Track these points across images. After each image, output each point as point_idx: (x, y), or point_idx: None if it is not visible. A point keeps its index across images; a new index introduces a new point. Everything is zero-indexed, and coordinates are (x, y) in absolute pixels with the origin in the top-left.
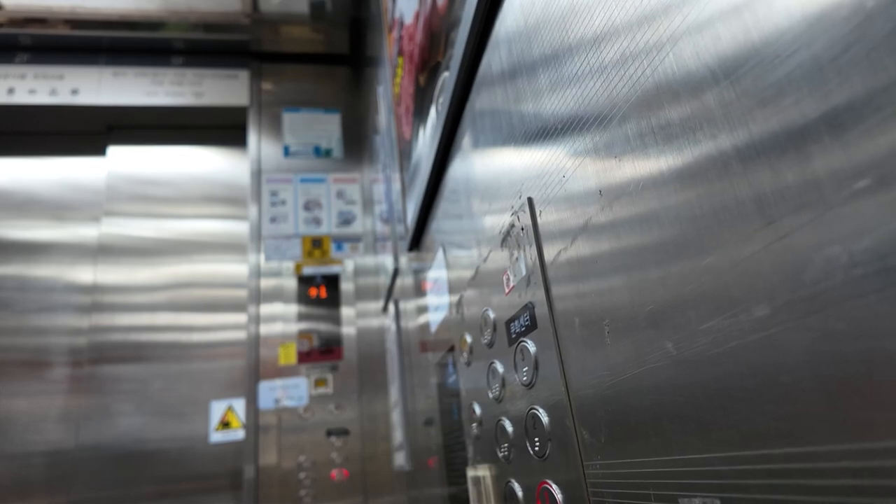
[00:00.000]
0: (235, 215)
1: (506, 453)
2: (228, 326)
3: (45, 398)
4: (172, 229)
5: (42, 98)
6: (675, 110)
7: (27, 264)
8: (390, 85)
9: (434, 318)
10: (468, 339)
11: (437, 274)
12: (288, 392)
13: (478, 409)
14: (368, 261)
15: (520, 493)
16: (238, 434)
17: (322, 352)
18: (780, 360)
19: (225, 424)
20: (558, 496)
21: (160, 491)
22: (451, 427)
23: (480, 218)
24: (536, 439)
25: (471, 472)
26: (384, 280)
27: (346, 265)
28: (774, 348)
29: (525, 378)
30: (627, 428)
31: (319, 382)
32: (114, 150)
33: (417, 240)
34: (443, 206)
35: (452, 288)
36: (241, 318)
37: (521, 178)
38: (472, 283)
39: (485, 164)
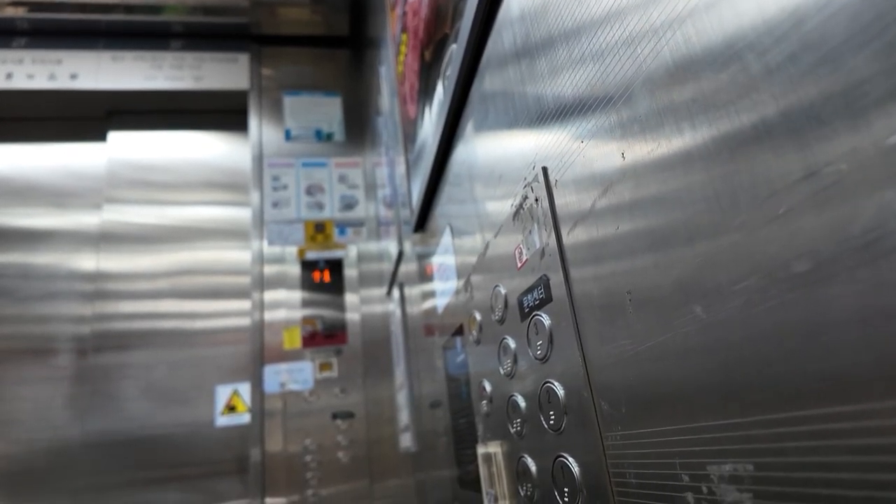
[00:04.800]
0: (237, 201)
1: (518, 429)
2: (232, 313)
3: (50, 385)
4: (174, 216)
5: (41, 83)
6: (706, 72)
7: (29, 252)
8: (393, 64)
9: (441, 299)
10: (477, 317)
11: (443, 254)
12: (293, 376)
13: (488, 387)
14: (371, 246)
15: (533, 468)
16: (244, 418)
17: (326, 336)
18: (824, 317)
19: (231, 409)
20: (575, 469)
21: (167, 476)
22: (460, 406)
23: (490, 193)
24: (551, 413)
25: (481, 449)
26: (387, 266)
27: (350, 251)
28: (818, 305)
29: (539, 352)
30: (651, 397)
31: (324, 366)
32: (114, 136)
33: (423, 221)
34: (450, 185)
35: (460, 267)
36: (244, 304)
37: (534, 148)
38: (482, 261)
39: (495, 139)
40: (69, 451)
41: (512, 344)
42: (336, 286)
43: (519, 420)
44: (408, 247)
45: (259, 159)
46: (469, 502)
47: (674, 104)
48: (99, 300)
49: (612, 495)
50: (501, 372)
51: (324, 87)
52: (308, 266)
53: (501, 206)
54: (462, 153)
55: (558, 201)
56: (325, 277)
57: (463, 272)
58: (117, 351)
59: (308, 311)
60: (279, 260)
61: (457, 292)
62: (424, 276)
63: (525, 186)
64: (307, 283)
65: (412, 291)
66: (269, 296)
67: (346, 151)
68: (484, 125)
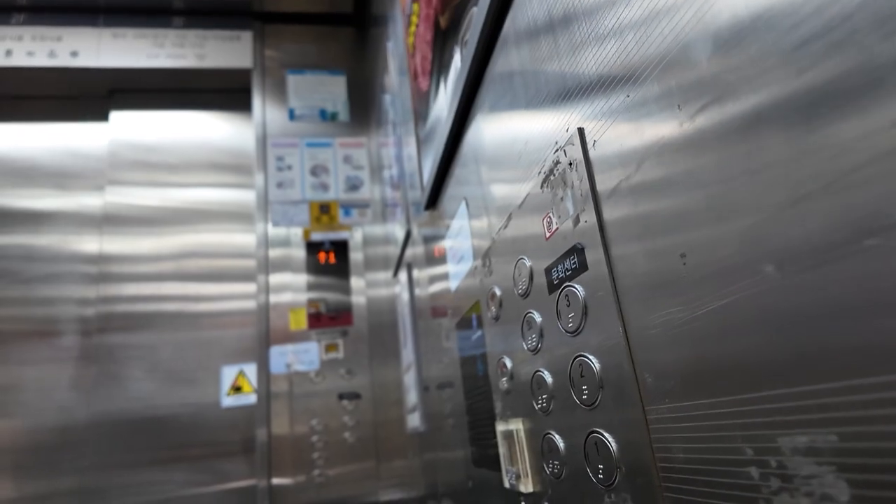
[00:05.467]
0: (241, 183)
1: (544, 405)
2: (237, 296)
3: (56, 366)
4: (177, 198)
5: (41, 60)
6: (776, 18)
7: (31, 234)
8: (403, 36)
9: (455, 277)
10: (497, 292)
11: (458, 230)
12: (299, 357)
13: (508, 363)
14: (377, 229)
15: (561, 445)
16: (250, 398)
17: (332, 317)
18: None
19: (237, 389)
20: (612, 445)
21: (172, 456)
22: (475, 385)
23: (513, 162)
24: (584, 388)
25: (501, 427)
26: (393, 249)
27: (355, 234)
28: None
29: (570, 325)
30: (707, 366)
31: (330, 347)
32: (116, 116)
33: (434, 199)
34: (466, 158)
35: (477, 243)
36: (249, 287)
37: (567, 108)
38: (503, 234)
39: (519, 102)
40: (75, 430)
41: (538, 318)
42: (341, 268)
43: (545, 396)
44: (415, 228)
45: (263, 141)
46: (485, 481)
47: (742, 51)
48: (103, 282)
49: (656, 471)
50: (525, 347)
51: (328, 66)
52: (313, 247)
53: (527, 175)
54: (481, 122)
55: (596, 164)
56: (330, 259)
57: (480, 248)
58: (122, 332)
59: (313, 294)
60: (284, 243)
61: (473, 269)
62: (432, 258)
63: (556, 151)
64: (312, 266)
65: (418, 275)
66: (275, 279)
67: (350, 132)
68: (508, 90)
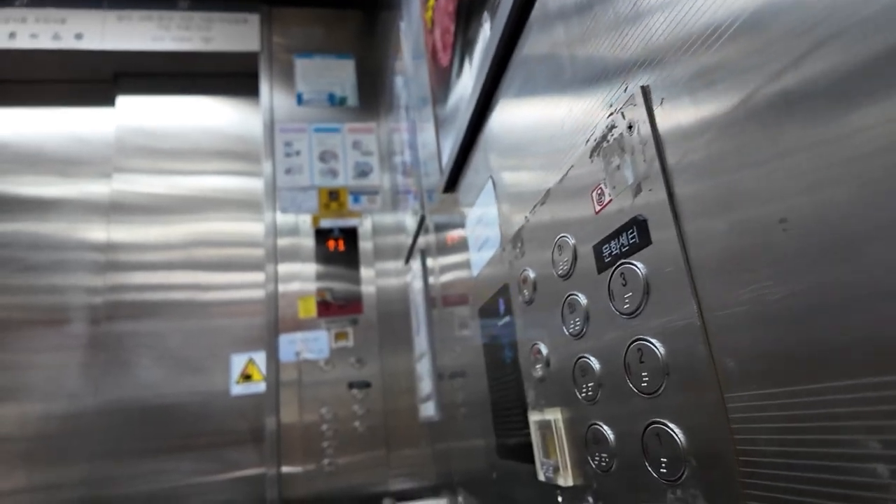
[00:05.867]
0: (248, 171)
1: (589, 393)
2: (246, 285)
3: (64, 355)
4: (185, 185)
5: (45, 42)
6: None
7: (38, 222)
8: (420, 11)
9: (478, 260)
10: (531, 275)
11: (483, 212)
12: (308, 345)
13: (544, 350)
14: (387, 218)
15: (611, 436)
16: (259, 387)
17: (342, 305)
18: None
19: (246, 377)
20: (679, 436)
21: (182, 444)
22: (501, 373)
23: (553, 133)
24: (644, 374)
25: (535, 417)
26: (404, 238)
27: (364, 223)
28: None
29: (627, 306)
30: (815, 348)
31: (340, 336)
32: (122, 101)
33: (454, 180)
34: (493, 133)
35: (506, 223)
36: (257, 276)
37: (625, 65)
38: (539, 212)
39: (562, 64)
40: (84, 418)
41: (582, 300)
42: (350, 256)
43: (591, 384)
44: (429, 215)
45: (270, 126)
46: (512, 472)
47: None
48: (111, 271)
49: (737, 464)
50: (566, 332)
51: (336, 50)
52: (322, 234)
53: (571, 144)
54: (513, 91)
55: (664, 125)
56: (339, 246)
57: (510, 228)
58: (130, 321)
59: (323, 284)
60: (293, 231)
61: (500, 252)
62: (445, 246)
63: (611, 115)
64: (321, 256)
65: (431, 264)
66: (284, 268)
67: (359, 117)
68: (548, 52)
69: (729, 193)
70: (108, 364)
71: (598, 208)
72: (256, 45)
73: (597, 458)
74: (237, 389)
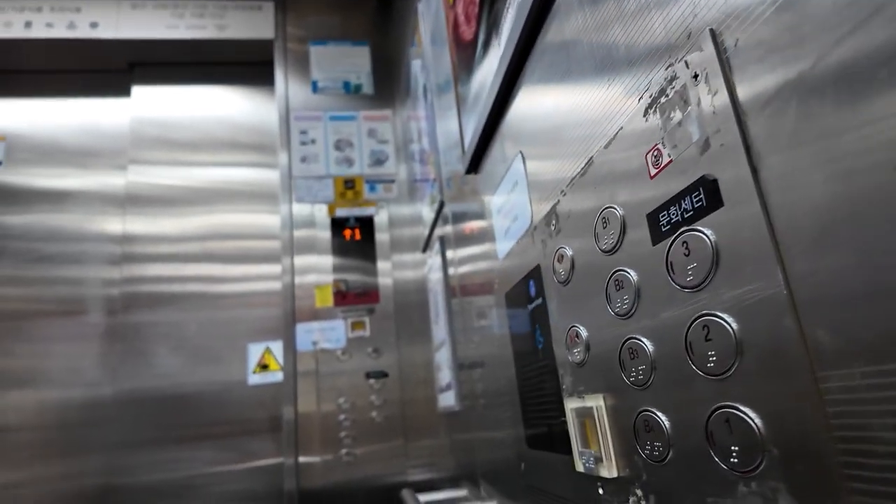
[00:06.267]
0: (264, 162)
1: (639, 377)
2: (262, 277)
3: (81, 345)
4: (199, 177)
5: (60, 32)
6: None
7: (54, 213)
8: None
9: (505, 242)
10: (568, 252)
11: (511, 189)
12: (325, 334)
13: (583, 332)
14: (403, 210)
15: (666, 424)
16: (277, 376)
17: (358, 294)
18: None
19: (263, 367)
20: (755, 423)
21: (199, 434)
22: (531, 359)
23: (598, 91)
24: (711, 354)
25: (573, 404)
26: (421, 230)
27: (381, 214)
28: None
29: (690, 278)
30: None
31: (357, 325)
32: (137, 91)
33: (478, 160)
34: (523, 104)
35: (538, 199)
36: (273, 268)
37: (688, 6)
38: (579, 183)
39: (608, 12)
40: (102, 408)
41: (632, 276)
42: (367, 247)
43: (642, 367)
44: (448, 203)
45: (286, 115)
46: (543, 463)
47: None
48: (127, 263)
49: (835, 454)
50: (611, 312)
51: (351, 37)
52: (338, 224)
53: (619, 104)
54: (547, 56)
55: (740, 70)
56: (355, 235)
57: (543, 205)
58: (147, 312)
59: (339, 276)
60: (309, 224)
61: (531, 231)
62: (463, 236)
63: (669, 66)
64: (338, 246)
65: (449, 255)
66: (300, 259)
67: (375, 104)
68: (590, 4)
69: (825, 142)
70: (125, 354)
71: (653, 172)
72: (271, 32)
73: (647, 448)
74: (254, 379)
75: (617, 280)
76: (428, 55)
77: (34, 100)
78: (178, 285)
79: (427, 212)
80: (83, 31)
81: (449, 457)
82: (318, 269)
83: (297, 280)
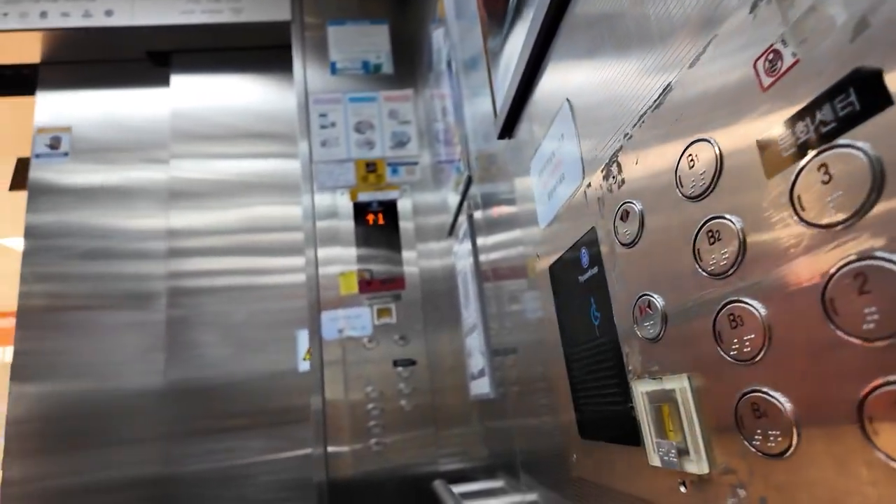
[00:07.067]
0: (288, 153)
1: (746, 350)
2: (298, 269)
3: (132, 338)
4: (225, 170)
5: (76, 21)
6: None
7: (103, 209)
8: None
9: (549, 207)
10: (636, 206)
11: (554, 145)
12: (350, 322)
13: (659, 301)
14: (428, 198)
15: (787, 406)
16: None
17: (384, 281)
18: None
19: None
20: None
21: (249, 422)
22: (585, 338)
23: (672, 8)
24: (868, 312)
25: (645, 387)
26: (446, 218)
27: (405, 202)
28: None
29: (831, 215)
30: None
31: (383, 312)
32: (176, 80)
33: (513, 120)
34: (568, 41)
35: (592, 149)
36: (300, 261)
37: None
38: (650, 119)
39: None
40: (155, 398)
41: (734, 223)
42: (391, 232)
43: (749, 337)
44: (476, 182)
45: (305, 103)
46: (601, 455)
47: None
48: (174, 258)
49: None
50: (702, 272)
51: (369, 16)
52: (361, 209)
53: (713, 4)
54: None
55: None
56: (379, 220)
57: (599, 153)
58: (194, 304)
59: (364, 266)
60: (331, 214)
61: (584, 187)
62: (492, 220)
63: None
64: (361, 231)
65: (466, 247)
66: (324, 249)
67: (395, 84)
68: None
69: None
70: (174, 346)
71: (767, 82)
72: (287, 13)
73: (757, 438)
74: (304, 366)
75: (711, 231)
76: (452, 24)
77: (55, 93)
78: (223, 279)
79: (452, 196)
80: (98, 20)
81: (482, 446)
82: (342, 259)
83: (322, 271)
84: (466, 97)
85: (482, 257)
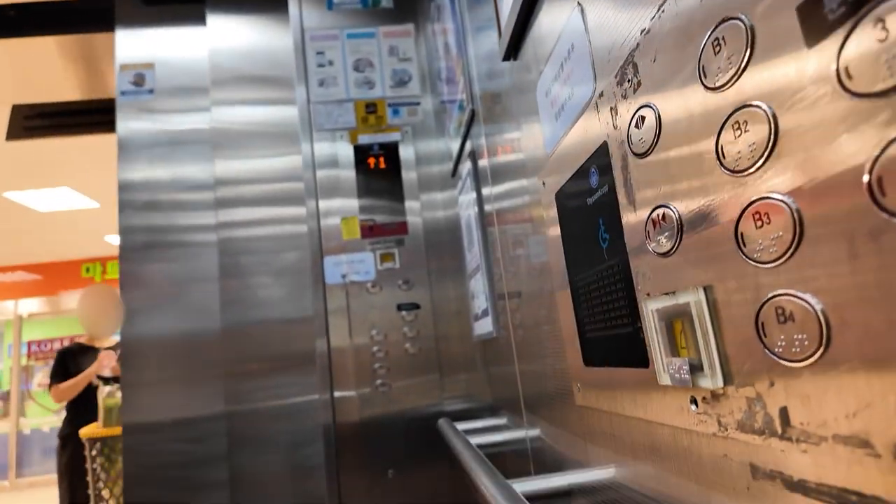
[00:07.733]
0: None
1: (773, 250)
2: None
3: (193, 285)
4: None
5: None
6: None
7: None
8: None
9: (554, 130)
10: (654, 111)
11: (563, 57)
12: (354, 267)
13: (674, 210)
14: (431, 146)
15: (817, 307)
16: None
17: (386, 225)
18: None
19: None
20: None
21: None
22: (592, 261)
23: None
24: None
25: (655, 304)
26: (448, 166)
27: (407, 148)
28: None
29: (888, 78)
30: None
31: (386, 257)
32: (212, 20)
33: (518, 37)
34: None
35: (604, 55)
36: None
37: None
38: (669, 7)
39: None
40: (213, 338)
41: (765, 109)
42: (393, 178)
43: (775, 235)
44: (480, 120)
45: (301, 43)
46: (605, 381)
47: None
48: (222, 208)
49: None
50: (724, 170)
51: None
52: (361, 152)
53: None
54: None
55: None
56: (380, 164)
57: (613, 57)
58: (244, 253)
59: (366, 217)
60: (332, 163)
61: (595, 98)
62: (495, 164)
63: None
64: (363, 185)
65: (469, 197)
66: (325, 204)
67: (395, 19)
68: None
69: None
70: (227, 296)
71: None
72: None
73: (780, 345)
74: None
75: (737, 123)
76: None
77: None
78: (267, 228)
79: (455, 137)
80: None
81: (486, 387)
82: (344, 210)
83: (324, 222)
84: (470, 32)
85: (490, 208)
